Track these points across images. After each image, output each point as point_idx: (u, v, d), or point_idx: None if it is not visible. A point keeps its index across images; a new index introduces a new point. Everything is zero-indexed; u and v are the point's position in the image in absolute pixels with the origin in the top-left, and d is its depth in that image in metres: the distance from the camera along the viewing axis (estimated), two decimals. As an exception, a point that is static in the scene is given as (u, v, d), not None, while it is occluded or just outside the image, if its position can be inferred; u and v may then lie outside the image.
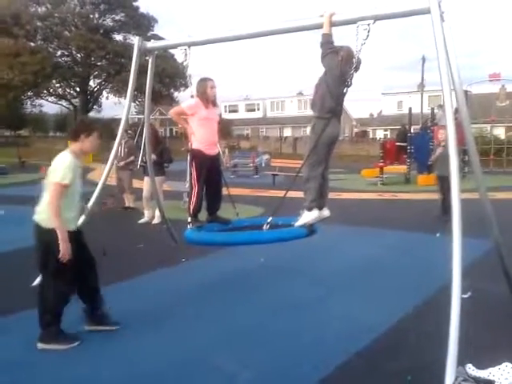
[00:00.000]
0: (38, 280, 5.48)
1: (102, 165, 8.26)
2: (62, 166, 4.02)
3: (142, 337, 4.28)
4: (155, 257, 6.96)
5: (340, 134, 4.97)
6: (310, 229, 4.73)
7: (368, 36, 4.40)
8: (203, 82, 5.36)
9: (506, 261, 4.88)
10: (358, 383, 3.50)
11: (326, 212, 4.78)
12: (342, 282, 5.81)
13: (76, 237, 4.18)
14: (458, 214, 3.68)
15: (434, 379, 3.34)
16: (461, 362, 3.40)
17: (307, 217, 4.67)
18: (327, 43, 4.59)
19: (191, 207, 5.27)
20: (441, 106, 18.12)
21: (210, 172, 5.29)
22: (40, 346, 3.98)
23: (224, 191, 5.64)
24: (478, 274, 5.57)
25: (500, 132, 25.93)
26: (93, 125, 4.43)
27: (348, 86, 4.58)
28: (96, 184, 6.06)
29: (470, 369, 3.44)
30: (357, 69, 4.53)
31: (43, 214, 4.04)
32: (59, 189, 3.96)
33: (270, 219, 4.77)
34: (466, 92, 17.41)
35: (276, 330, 4.41)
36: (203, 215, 5.47)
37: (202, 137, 5.22)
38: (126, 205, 11.21)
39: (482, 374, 3.39)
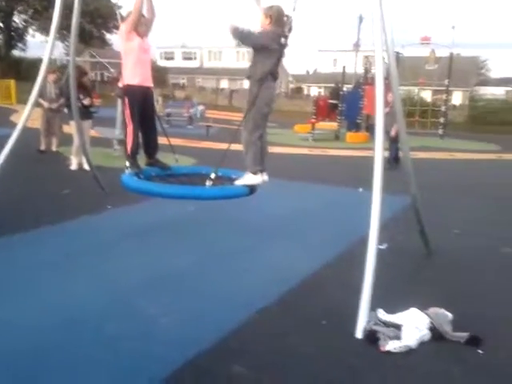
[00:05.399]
0: None
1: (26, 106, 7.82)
2: None
3: (65, 279, 4.26)
4: (81, 203, 6.79)
5: (275, 97, 4.93)
6: (252, 188, 4.77)
7: None
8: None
9: (422, 215, 5.21)
10: (275, 326, 3.66)
11: (265, 177, 4.84)
12: (271, 232, 5.98)
13: None
14: (379, 170, 3.86)
15: (348, 323, 3.57)
16: (374, 307, 3.66)
17: (250, 179, 4.73)
18: (240, 33, 4.37)
19: (128, 147, 4.95)
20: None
21: (143, 108, 4.97)
22: None
23: (162, 140, 5.49)
24: (396, 227, 5.92)
25: (427, 95, 26.98)
26: None
27: (283, 49, 4.50)
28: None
29: (381, 313, 3.71)
30: (290, 29, 4.46)
31: None
32: None
33: (212, 175, 4.59)
34: (397, 54, 17.86)
35: (202, 277, 4.51)
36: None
37: (135, 69, 4.88)
38: (43, 148, 10.78)
39: (392, 318, 3.67)
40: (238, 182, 4.73)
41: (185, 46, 58.89)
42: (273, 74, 4.56)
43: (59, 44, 39.46)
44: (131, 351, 3.21)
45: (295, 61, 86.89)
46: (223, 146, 4.67)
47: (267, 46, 4.37)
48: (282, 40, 4.40)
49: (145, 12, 4.91)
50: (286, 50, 4.56)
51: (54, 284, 4.19)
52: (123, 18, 5.02)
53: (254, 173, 4.71)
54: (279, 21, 4.40)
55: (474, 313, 4.00)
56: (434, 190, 8.46)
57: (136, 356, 3.16)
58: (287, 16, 4.37)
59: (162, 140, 5.48)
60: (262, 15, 4.48)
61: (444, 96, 21.17)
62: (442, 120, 20.59)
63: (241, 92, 39.23)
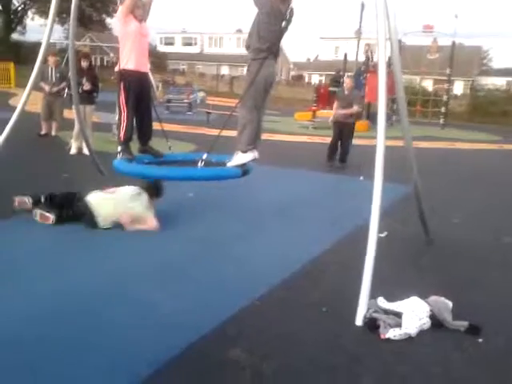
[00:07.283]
0: None
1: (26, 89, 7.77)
2: None
3: (65, 262, 4.27)
4: (80, 187, 6.72)
5: (276, 76, 4.87)
6: (244, 169, 4.75)
7: None
8: None
9: (422, 203, 5.21)
10: (277, 313, 3.67)
11: (256, 153, 4.81)
12: (270, 219, 5.97)
13: None
14: (381, 159, 3.83)
15: (348, 310, 3.58)
16: (373, 295, 3.66)
17: (241, 158, 4.71)
18: None
19: (121, 133, 4.94)
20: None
21: (139, 94, 4.95)
22: None
23: (156, 126, 5.45)
24: (395, 216, 5.91)
25: (428, 84, 26.86)
26: None
27: (287, 25, 4.45)
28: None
29: (381, 301, 3.72)
30: (291, 14, 4.42)
31: None
32: None
33: (204, 156, 4.68)
34: (400, 42, 17.71)
35: (203, 265, 4.50)
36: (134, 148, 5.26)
37: (131, 54, 4.84)
38: (43, 132, 10.76)
39: (392, 306, 3.67)
40: (230, 164, 4.72)
41: (185, 31, 58.45)
42: (273, 52, 4.50)
43: (59, 28, 39.13)
44: (130, 337, 3.20)
45: (296, 48, 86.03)
46: (224, 132, 4.63)
47: (268, 9, 4.32)
48: (284, 20, 4.37)
49: None
50: (289, 27, 4.51)
51: (53, 268, 4.18)
52: (122, 2, 4.96)
53: (245, 152, 4.68)
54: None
55: (474, 301, 4.01)
56: (434, 178, 8.46)
57: (135, 341, 3.15)
58: None
59: (159, 126, 5.43)
60: None
61: (445, 85, 21.05)
62: (443, 110, 20.50)
63: (242, 79, 38.92)
